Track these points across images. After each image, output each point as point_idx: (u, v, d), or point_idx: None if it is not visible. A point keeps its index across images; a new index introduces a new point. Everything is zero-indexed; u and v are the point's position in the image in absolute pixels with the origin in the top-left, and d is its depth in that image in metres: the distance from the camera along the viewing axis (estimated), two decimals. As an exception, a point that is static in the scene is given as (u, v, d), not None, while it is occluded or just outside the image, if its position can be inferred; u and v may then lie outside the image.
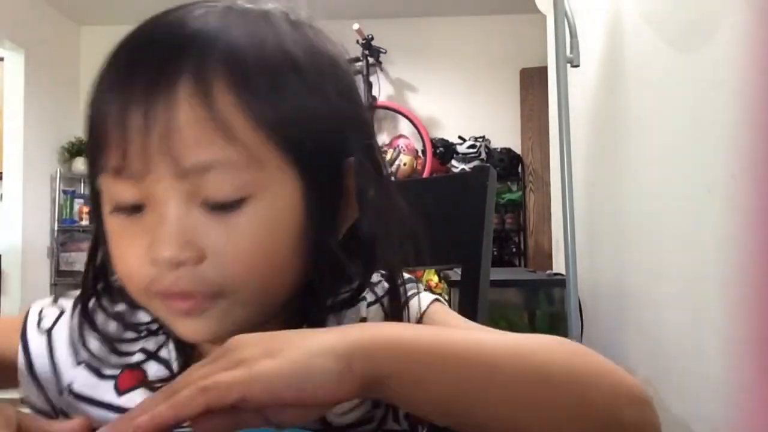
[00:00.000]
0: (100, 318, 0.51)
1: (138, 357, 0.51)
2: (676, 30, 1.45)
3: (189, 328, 0.44)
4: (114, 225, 0.44)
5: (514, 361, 0.39)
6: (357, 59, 4.21)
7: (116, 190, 0.42)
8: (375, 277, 0.51)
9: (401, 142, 4.26)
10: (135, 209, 0.42)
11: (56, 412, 0.51)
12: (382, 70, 4.41)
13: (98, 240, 0.48)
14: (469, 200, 0.83)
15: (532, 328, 2.04)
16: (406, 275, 0.53)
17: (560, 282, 1.95)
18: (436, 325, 0.49)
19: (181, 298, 0.42)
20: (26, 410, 0.49)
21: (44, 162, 4.02)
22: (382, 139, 4.44)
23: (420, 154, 4.27)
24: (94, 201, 0.45)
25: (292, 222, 0.43)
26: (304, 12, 0.50)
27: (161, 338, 0.50)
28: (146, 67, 0.41)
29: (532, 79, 4.20)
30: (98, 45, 0.58)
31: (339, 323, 0.49)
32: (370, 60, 4.21)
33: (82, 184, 4.29)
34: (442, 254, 0.87)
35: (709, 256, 1.28)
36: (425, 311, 0.50)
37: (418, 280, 0.54)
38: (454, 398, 0.37)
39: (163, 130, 0.40)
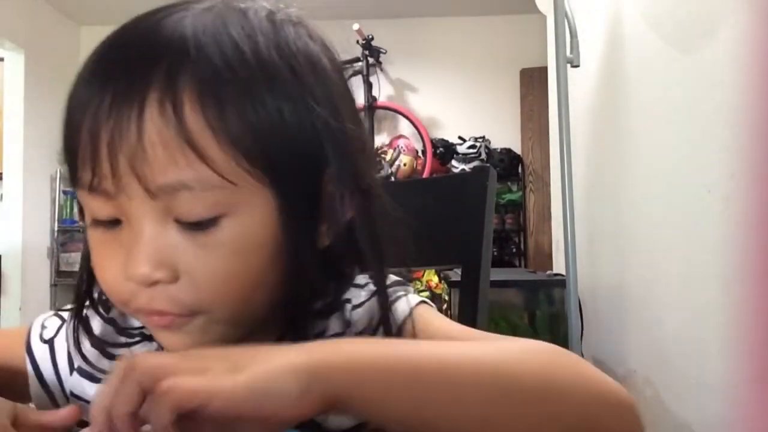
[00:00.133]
0: (95, 323, 0.52)
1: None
2: (676, 30, 1.45)
3: (170, 341, 0.44)
4: (94, 238, 0.43)
5: (478, 378, 0.38)
6: (357, 59, 4.21)
7: (92, 206, 0.42)
8: (363, 279, 0.51)
9: (401, 142, 4.26)
10: (113, 223, 0.42)
11: None
12: (382, 70, 4.41)
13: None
14: (469, 200, 0.83)
15: (532, 329, 2.04)
16: (395, 277, 0.53)
17: (560, 282, 1.95)
18: (420, 327, 0.48)
19: (158, 315, 0.42)
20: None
21: (44, 162, 4.02)
22: (382, 139, 4.44)
23: (420, 154, 4.27)
24: (81, 209, 0.45)
25: (268, 238, 0.42)
26: (295, 9, 0.48)
27: (155, 343, 0.50)
28: (115, 81, 0.40)
29: (532, 79, 4.20)
30: (98, 45, 0.58)
31: (324, 329, 0.49)
32: (370, 60, 4.21)
33: (82, 185, 4.29)
34: (442, 254, 0.87)
35: (709, 256, 1.28)
36: (410, 314, 0.49)
37: (407, 282, 0.54)
38: (416, 415, 0.37)
39: (131, 151, 0.39)
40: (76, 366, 0.52)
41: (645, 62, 1.66)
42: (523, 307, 2.10)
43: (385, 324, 0.48)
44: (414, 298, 0.51)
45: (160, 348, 0.50)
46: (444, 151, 4.22)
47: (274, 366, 0.35)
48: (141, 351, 0.51)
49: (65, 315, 0.53)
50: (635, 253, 1.74)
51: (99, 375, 0.51)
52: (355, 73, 4.24)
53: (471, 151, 4.18)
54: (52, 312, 0.55)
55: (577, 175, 1.78)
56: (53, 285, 4.14)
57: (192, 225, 0.40)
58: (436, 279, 3.51)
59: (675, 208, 1.45)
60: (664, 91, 1.52)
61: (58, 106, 0.44)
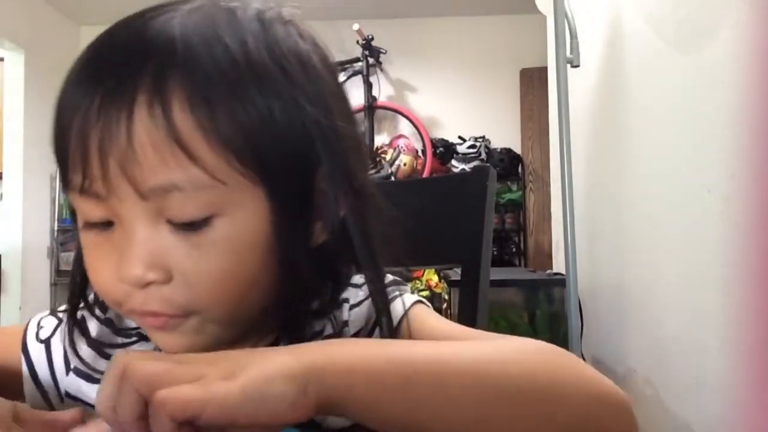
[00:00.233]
0: (91, 324, 0.52)
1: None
2: (676, 30, 1.45)
3: (165, 342, 0.44)
4: (86, 240, 0.43)
5: (473, 378, 0.38)
6: (357, 59, 4.21)
7: (84, 208, 0.42)
8: (361, 279, 0.50)
9: (401, 142, 4.26)
10: (105, 225, 0.42)
11: None
12: (382, 70, 4.42)
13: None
14: (469, 200, 0.83)
15: (532, 328, 2.04)
16: (392, 277, 0.53)
17: (560, 282, 1.95)
18: (416, 327, 0.48)
19: (152, 316, 0.42)
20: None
21: (44, 162, 4.02)
22: (382, 139, 4.44)
23: (420, 154, 4.27)
24: (73, 212, 0.45)
25: (261, 238, 0.42)
26: (287, 8, 0.48)
27: (152, 343, 0.50)
28: (104, 82, 0.40)
29: (532, 79, 4.20)
30: (98, 45, 0.57)
31: (322, 329, 0.49)
32: (370, 60, 4.21)
33: (82, 184, 4.29)
34: (442, 254, 0.87)
35: (709, 256, 1.28)
36: (406, 314, 0.49)
37: (404, 282, 0.54)
38: (410, 417, 0.37)
39: (121, 153, 0.38)
40: (72, 366, 0.52)
41: (645, 62, 1.66)
42: (523, 306, 2.11)
43: (380, 325, 0.47)
44: (409, 298, 0.50)
45: (157, 348, 0.50)
46: (444, 150, 4.23)
47: (268, 371, 0.34)
48: (138, 351, 0.51)
49: (62, 315, 0.53)
50: (635, 253, 1.74)
51: (96, 375, 0.51)
52: (355, 73, 4.24)
53: (471, 150, 4.18)
54: (49, 311, 0.55)
55: (577, 175, 1.78)
56: (53, 284, 4.14)
57: (184, 225, 0.40)
58: (435, 278, 3.51)
59: (675, 208, 1.45)
60: (664, 91, 1.52)
61: (58, 106, 0.44)
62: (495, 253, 4.07)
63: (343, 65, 4.23)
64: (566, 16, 1.78)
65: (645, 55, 1.66)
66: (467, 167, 4.03)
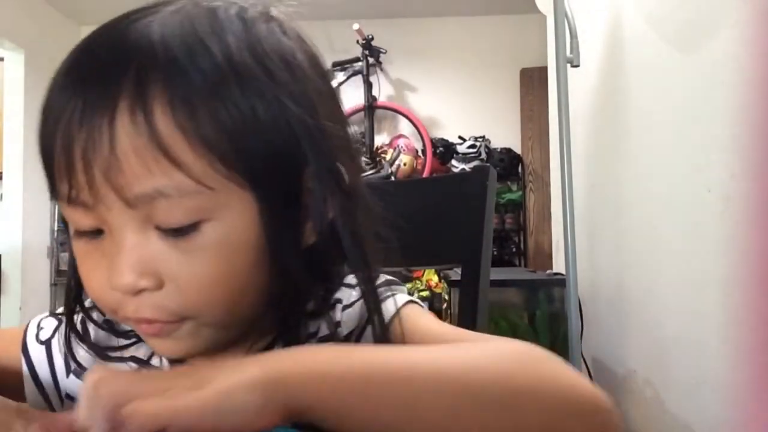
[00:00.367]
0: (90, 327, 0.52)
1: (130, 366, 0.51)
2: (676, 30, 1.45)
3: (162, 347, 0.44)
4: (78, 248, 0.43)
5: (438, 385, 0.37)
6: (357, 59, 4.21)
7: (73, 217, 0.42)
8: (355, 279, 0.50)
9: (401, 141, 4.26)
10: (95, 233, 0.41)
11: None
12: (382, 70, 4.42)
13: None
14: (469, 200, 0.83)
15: (532, 328, 2.04)
16: (387, 276, 0.52)
17: (560, 282, 1.95)
18: (408, 327, 0.47)
19: (146, 323, 0.42)
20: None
21: (44, 162, 4.01)
22: (382, 138, 4.44)
23: (420, 153, 4.27)
24: (65, 219, 0.44)
25: (251, 241, 0.42)
26: (276, 5, 0.47)
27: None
28: (85, 90, 0.39)
29: (532, 79, 4.20)
30: (98, 45, 0.57)
31: (317, 329, 0.49)
32: (370, 60, 4.21)
33: (82, 184, 4.29)
34: (442, 254, 0.87)
35: (709, 255, 1.28)
36: (398, 314, 0.49)
37: (399, 281, 0.53)
38: (376, 423, 0.37)
39: (105, 162, 0.38)
40: (72, 368, 0.52)
41: (645, 62, 1.66)
42: (523, 306, 2.11)
43: (372, 326, 0.47)
44: (401, 298, 0.50)
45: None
46: (444, 150, 4.23)
47: (232, 382, 0.35)
48: (138, 352, 0.51)
49: (62, 316, 0.53)
50: (635, 253, 1.74)
51: None
52: (355, 73, 4.24)
53: (471, 150, 4.18)
54: (49, 313, 0.55)
55: (577, 175, 1.78)
56: (53, 284, 4.14)
57: (173, 231, 0.40)
58: (436, 278, 3.51)
59: (675, 208, 1.45)
60: (664, 91, 1.52)
61: (58, 106, 0.44)
62: (495, 253, 4.07)
63: (343, 65, 4.23)
64: (566, 15, 1.78)
65: (645, 55, 1.66)
66: (467, 167, 4.03)
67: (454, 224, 0.84)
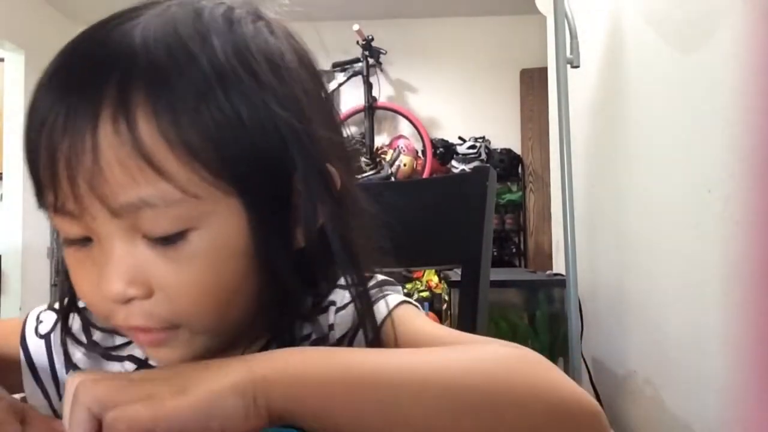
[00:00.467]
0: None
1: (129, 365, 0.51)
2: (676, 30, 1.45)
3: (158, 356, 0.44)
4: (69, 256, 0.43)
5: (422, 389, 0.37)
6: (357, 60, 4.22)
7: (61, 226, 0.41)
8: (350, 280, 0.49)
9: (401, 142, 4.26)
10: (85, 240, 0.41)
11: (58, 417, 0.52)
12: (382, 70, 4.42)
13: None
14: (469, 200, 0.83)
15: (532, 329, 2.04)
16: (382, 277, 0.52)
17: (560, 282, 1.95)
18: (400, 329, 0.47)
19: (137, 330, 0.42)
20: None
21: (44, 162, 4.01)
22: (382, 139, 4.45)
23: (420, 154, 4.27)
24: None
25: (240, 248, 0.41)
26: (268, 6, 0.47)
27: None
28: (68, 97, 0.38)
29: (532, 79, 4.20)
30: (98, 45, 0.57)
31: (310, 332, 0.49)
32: (370, 61, 4.21)
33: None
34: (442, 254, 0.87)
35: (709, 256, 1.28)
36: (390, 315, 0.48)
37: (394, 282, 0.53)
38: (359, 426, 0.37)
39: (88, 172, 0.38)
40: (73, 363, 0.52)
41: (645, 62, 1.66)
42: (523, 307, 2.10)
43: (363, 328, 0.47)
44: (394, 299, 0.49)
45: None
46: (444, 151, 4.23)
47: (217, 386, 0.35)
48: (135, 350, 0.51)
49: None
50: (635, 253, 1.74)
51: None
52: (355, 74, 4.24)
53: (471, 151, 4.18)
54: (47, 306, 0.54)
55: (577, 175, 1.78)
56: (53, 285, 4.14)
57: (160, 240, 0.39)
58: (436, 279, 3.51)
59: (675, 208, 1.45)
60: (664, 91, 1.52)
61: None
62: (495, 253, 4.07)
63: (344, 66, 4.24)
64: (566, 16, 1.78)
65: (645, 55, 1.66)
66: (467, 168, 4.04)
67: (454, 225, 0.84)
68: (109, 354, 0.51)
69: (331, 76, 4.25)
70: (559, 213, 1.95)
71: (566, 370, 1.70)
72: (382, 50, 4.21)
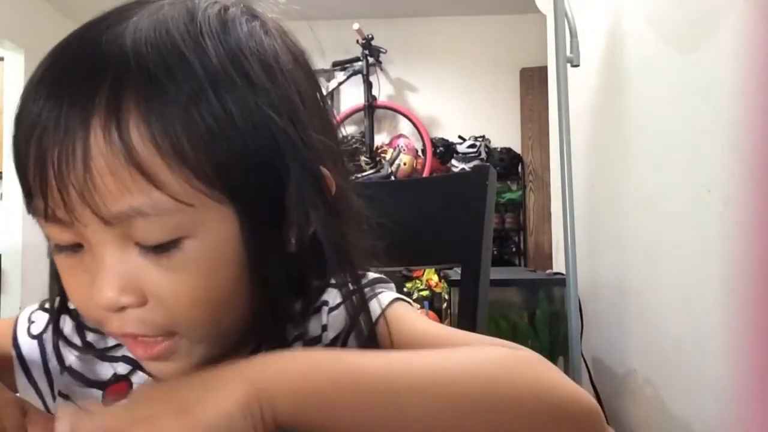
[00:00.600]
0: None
1: (123, 367, 0.51)
2: (676, 30, 1.45)
3: (158, 369, 0.43)
4: (60, 262, 0.42)
5: (426, 397, 0.37)
6: (357, 59, 4.21)
7: (51, 233, 0.40)
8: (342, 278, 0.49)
9: (401, 141, 4.26)
10: (76, 246, 0.40)
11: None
12: (382, 69, 4.42)
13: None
14: (469, 200, 0.83)
15: (532, 328, 2.04)
16: (374, 274, 0.52)
17: (560, 281, 1.95)
18: (394, 327, 0.47)
19: (135, 341, 0.41)
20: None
21: (44, 162, 4.01)
22: (382, 138, 4.44)
23: (420, 153, 4.27)
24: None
25: (233, 254, 0.41)
26: (262, 5, 0.46)
27: None
28: (59, 102, 0.38)
29: (532, 78, 4.20)
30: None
31: (303, 332, 0.48)
32: (370, 60, 4.21)
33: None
34: (442, 254, 0.87)
35: (709, 256, 1.28)
36: (383, 314, 0.48)
37: (387, 279, 0.53)
38: (360, 430, 0.37)
39: (80, 181, 0.37)
40: (67, 365, 0.51)
41: (645, 62, 1.66)
42: (523, 306, 2.10)
43: (357, 330, 0.46)
44: (386, 297, 0.49)
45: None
46: (444, 150, 4.23)
47: (223, 407, 0.34)
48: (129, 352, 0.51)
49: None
50: (635, 253, 1.74)
51: (91, 377, 0.51)
52: (355, 73, 4.24)
53: (471, 150, 4.18)
54: (38, 306, 0.54)
55: (577, 175, 1.78)
56: (53, 285, 4.14)
57: (153, 248, 0.39)
58: (436, 278, 3.51)
59: (675, 208, 1.45)
60: (664, 91, 1.52)
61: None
62: (495, 252, 4.07)
63: (343, 65, 4.23)
64: (566, 15, 1.77)
65: (645, 55, 1.66)
66: (467, 167, 4.03)
67: (454, 224, 0.84)
68: (103, 355, 0.51)
69: (330, 75, 4.25)
70: (559, 212, 1.95)
71: (566, 370, 1.70)
72: (382, 49, 4.21)
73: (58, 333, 0.50)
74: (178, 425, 0.33)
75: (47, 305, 0.52)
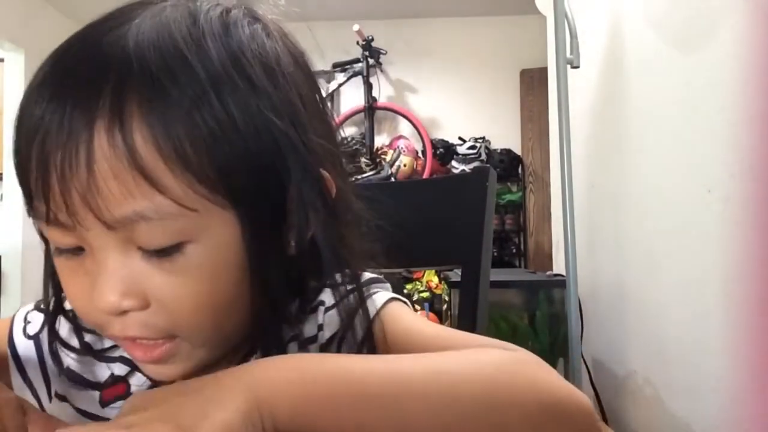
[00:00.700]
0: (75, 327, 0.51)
1: (120, 368, 0.50)
2: (676, 30, 1.45)
3: (157, 372, 0.43)
4: (60, 265, 0.42)
5: (425, 398, 0.37)
6: (357, 60, 4.22)
7: (53, 236, 0.40)
8: (338, 279, 0.49)
9: (401, 142, 4.27)
10: (77, 249, 0.40)
11: None
12: (382, 71, 4.42)
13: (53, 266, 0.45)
14: (469, 201, 0.83)
15: (533, 329, 2.04)
16: (370, 275, 0.52)
17: (560, 282, 1.95)
18: (389, 328, 0.47)
19: (137, 346, 0.41)
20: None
21: (44, 162, 4.01)
22: (382, 139, 4.45)
23: (420, 154, 4.27)
24: (41, 234, 0.42)
25: (234, 259, 0.41)
26: (262, 7, 0.46)
27: None
28: (61, 105, 0.37)
29: (532, 79, 4.20)
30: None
31: (299, 332, 0.48)
32: (371, 61, 4.22)
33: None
34: (442, 254, 0.87)
35: (709, 255, 1.28)
36: (378, 314, 0.47)
37: (382, 279, 0.52)
38: None
39: (83, 185, 0.37)
40: (65, 367, 0.51)
41: (645, 62, 1.66)
42: (523, 307, 2.10)
43: (352, 331, 0.46)
44: (381, 297, 0.49)
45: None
46: (444, 151, 4.23)
47: (223, 418, 0.33)
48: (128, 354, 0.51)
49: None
50: (635, 253, 1.74)
51: (89, 378, 0.50)
52: (355, 74, 4.25)
53: (471, 151, 4.18)
54: (33, 306, 0.54)
55: (577, 175, 1.78)
56: (53, 285, 4.14)
57: (156, 252, 0.39)
58: (436, 279, 3.51)
59: (675, 208, 1.45)
60: (664, 91, 1.52)
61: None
62: (495, 254, 4.07)
63: (344, 66, 4.24)
64: (566, 16, 1.77)
65: (645, 55, 1.66)
66: (467, 168, 4.04)
67: (454, 225, 0.84)
68: (100, 356, 0.51)
69: (331, 76, 4.25)
70: (559, 213, 1.95)
71: (566, 371, 1.70)
72: (382, 50, 4.21)
73: (54, 335, 0.50)
74: None
75: (43, 306, 0.51)
